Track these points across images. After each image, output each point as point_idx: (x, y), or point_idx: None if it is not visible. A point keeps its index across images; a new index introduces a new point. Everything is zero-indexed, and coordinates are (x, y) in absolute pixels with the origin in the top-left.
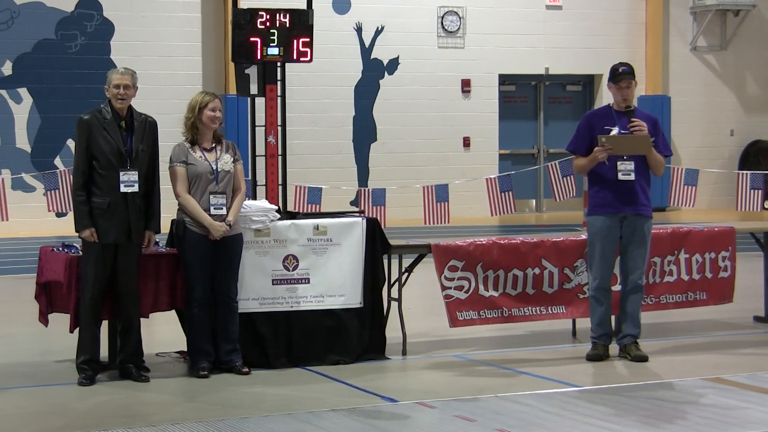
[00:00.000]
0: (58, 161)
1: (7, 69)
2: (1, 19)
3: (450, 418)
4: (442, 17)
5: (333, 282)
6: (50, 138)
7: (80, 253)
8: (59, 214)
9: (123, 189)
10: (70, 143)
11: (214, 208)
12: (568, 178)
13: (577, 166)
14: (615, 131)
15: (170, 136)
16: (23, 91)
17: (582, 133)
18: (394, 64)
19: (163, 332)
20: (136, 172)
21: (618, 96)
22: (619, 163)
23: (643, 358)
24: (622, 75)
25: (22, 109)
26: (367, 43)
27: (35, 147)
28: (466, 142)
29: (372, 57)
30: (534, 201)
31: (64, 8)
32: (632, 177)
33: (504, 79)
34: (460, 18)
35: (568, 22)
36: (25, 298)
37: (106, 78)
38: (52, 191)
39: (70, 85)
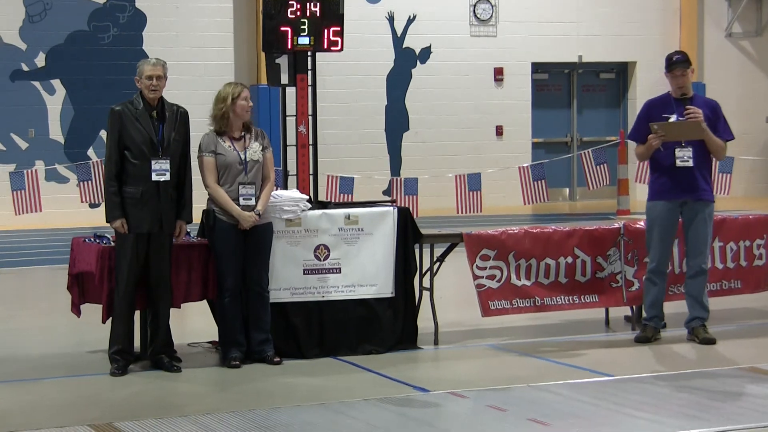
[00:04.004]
0: (91, 152)
1: (41, 61)
2: (34, 11)
3: (482, 408)
4: (475, 5)
5: (364, 272)
6: (83, 129)
7: (112, 243)
8: (92, 205)
9: (155, 177)
10: (103, 134)
11: (243, 198)
12: (602, 166)
13: (638, 154)
14: (673, 119)
15: (202, 127)
16: (56, 83)
17: (641, 122)
18: (426, 53)
19: (195, 322)
20: (168, 161)
21: (673, 84)
22: (677, 149)
23: (711, 341)
24: (676, 63)
25: (56, 100)
26: (399, 32)
27: (68, 138)
28: (499, 131)
29: (404, 46)
30: (567, 190)
31: (97, 0)
32: (690, 163)
33: (537, 68)
34: (492, 6)
35: (601, 10)
36: (58, 289)
37: (138, 68)
38: (85, 182)
39: (103, 76)
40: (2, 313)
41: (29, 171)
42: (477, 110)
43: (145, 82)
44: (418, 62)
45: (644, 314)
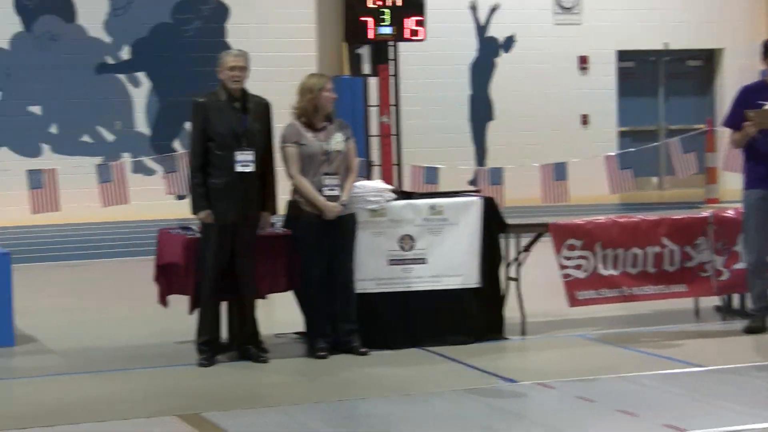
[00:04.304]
0: (176, 144)
1: (126, 54)
2: (119, 4)
3: (570, 398)
4: None
5: (450, 262)
6: (169, 121)
7: (197, 235)
8: (179, 197)
9: (239, 168)
10: (188, 126)
11: (328, 189)
12: (690, 154)
13: (733, 141)
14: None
15: (286, 118)
16: (141, 76)
17: (736, 109)
18: (509, 42)
19: (282, 313)
20: (252, 152)
21: None
22: None
23: None
24: None
25: (141, 93)
26: (482, 22)
27: (154, 130)
28: (584, 120)
29: (487, 35)
30: (655, 178)
31: None
32: None
33: (622, 56)
34: None
35: None
36: (146, 280)
37: (219, 59)
38: (171, 174)
39: (187, 68)
40: (91, 304)
41: (116, 163)
42: (562, 99)
43: (227, 73)
44: (502, 51)
45: (751, 305)
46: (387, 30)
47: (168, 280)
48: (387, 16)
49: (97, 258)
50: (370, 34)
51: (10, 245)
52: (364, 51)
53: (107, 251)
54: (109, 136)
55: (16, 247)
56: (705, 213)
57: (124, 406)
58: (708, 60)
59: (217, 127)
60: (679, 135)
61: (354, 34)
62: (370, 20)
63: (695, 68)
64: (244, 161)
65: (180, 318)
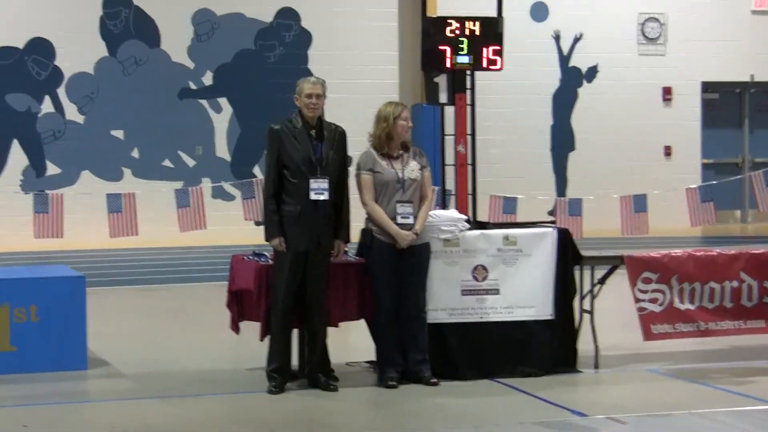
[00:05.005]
0: (256, 170)
1: (208, 79)
2: (203, 30)
3: None
4: (643, 24)
5: (523, 293)
6: (249, 147)
7: (270, 261)
8: (257, 223)
9: (313, 197)
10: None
11: (401, 217)
12: None
13: None
14: None
15: (365, 145)
16: (223, 101)
17: None
18: (592, 72)
19: (354, 341)
20: (327, 180)
21: None
22: None
23: None
24: None
25: (222, 118)
26: (565, 51)
27: (234, 156)
28: (668, 152)
29: (570, 65)
30: (739, 212)
31: (263, 19)
32: None
33: (707, 87)
34: (661, 24)
35: None
36: (220, 306)
37: (297, 86)
38: (249, 200)
39: (269, 94)
40: (164, 329)
41: (194, 188)
42: (645, 130)
43: (305, 100)
44: (585, 81)
45: None
46: (464, 59)
47: (240, 307)
48: (465, 45)
49: (173, 282)
50: (448, 63)
51: (86, 269)
52: (442, 80)
53: (183, 276)
54: (190, 161)
55: (92, 271)
56: None
57: None
58: None
59: (292, 155)
60: (764, 168)
61: (431, 62)
62: (447, 49)
63: None
64: (319, 189)
65: (252, 345)
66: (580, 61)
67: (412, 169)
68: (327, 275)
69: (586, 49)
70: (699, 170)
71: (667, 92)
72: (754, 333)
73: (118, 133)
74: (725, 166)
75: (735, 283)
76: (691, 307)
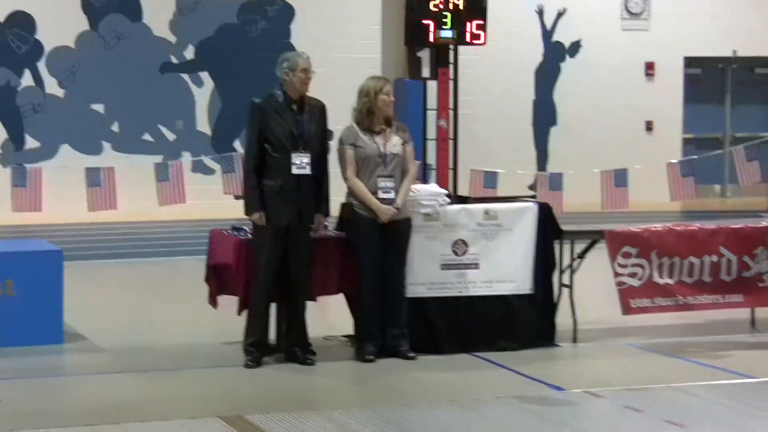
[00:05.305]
0: (237, 144)
1: (190, 53)
2: (185, 4)
3: (619, 408)
4: None
5: (503, 268)
6: (230, 121)
7: (249, 236)
8: (237, 197)
9: (295, 171)
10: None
11: (383, 192)
12: (753, 163)
13: None
14: None
15: (347, 120)
16: (204, 75)
17: None
18: (576, 47)
19: (331, 316)
20: (309, 155)
21: None
22: None
23: None
24: None
25: (203, 92)
26: (548, 26)
27: (216, 130)
28: (649, 126)
29: (553, 40)
30: (718, 187)
31: None
32: None
33: (689, 62)
34: (644, 0)
35: (757, 3)
36: (198, 280)
37: (286, 60)
38: (229, 174)
39: (251, 69)
40: (142, 303)
41: (173, 162)
42: (627, 105)
43: (300, 75)
44: (568, 56)
45: None
46: (448, 34)
47: (218, 281)
48: (448, 20)
49: (152, 257)
50: (431, 38)
51: (64, 243)
52: (425, 54)
53: (162, 250)
54: (171, 135)
55: (71, 245)
56: (764, 222)
57: (167, 407)
58: None
59: (274, 129)
60: (745, 143)
61: (415, 37)
62: (431, 23)
63: (763, 76)
64: (301, 164)
65: (229, 319)
66: (563, 36)
67: (394, 144)
68: (311, 249)
69: (569, 24)
70: (680, 145)
71: (649, 67)
72: (732, 307)
73: (99, 107)
74: (706, 141)
75: (714, 258)
76: (671, 281)
